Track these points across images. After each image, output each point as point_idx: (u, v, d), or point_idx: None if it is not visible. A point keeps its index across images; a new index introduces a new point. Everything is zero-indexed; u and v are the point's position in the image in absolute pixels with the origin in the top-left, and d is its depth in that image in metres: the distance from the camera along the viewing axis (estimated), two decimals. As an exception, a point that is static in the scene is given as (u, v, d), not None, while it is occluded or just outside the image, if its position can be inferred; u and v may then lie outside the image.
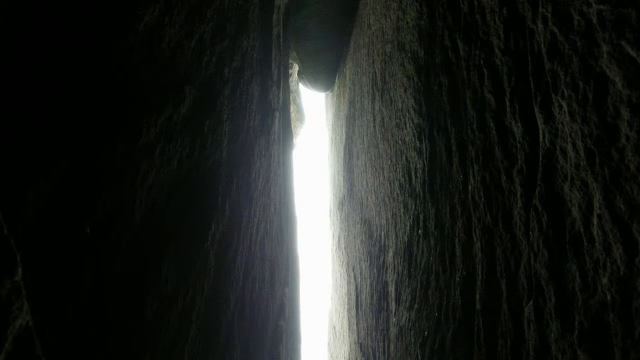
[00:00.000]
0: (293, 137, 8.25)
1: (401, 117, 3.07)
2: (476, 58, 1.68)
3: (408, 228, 2.79)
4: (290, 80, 8.90)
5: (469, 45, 1.76)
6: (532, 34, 1.27)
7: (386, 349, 3.37)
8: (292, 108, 10.08)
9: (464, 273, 1.78)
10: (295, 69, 9.55)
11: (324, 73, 8.85)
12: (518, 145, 1.36)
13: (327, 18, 6.87)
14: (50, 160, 0.79)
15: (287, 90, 6.41)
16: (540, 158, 1.23)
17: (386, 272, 3.51)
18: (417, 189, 2.58)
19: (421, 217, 2.47)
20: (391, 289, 3.27)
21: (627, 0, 0.90)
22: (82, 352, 0.86)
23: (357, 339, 5.19)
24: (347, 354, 6.18)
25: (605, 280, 0.94)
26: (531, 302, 1.24)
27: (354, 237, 5.67)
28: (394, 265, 3.19)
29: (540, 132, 1.22)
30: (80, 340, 0.86)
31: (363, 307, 4.74)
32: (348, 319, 6.14)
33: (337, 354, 7.54)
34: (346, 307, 6.38)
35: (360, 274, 5.01)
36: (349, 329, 5.97)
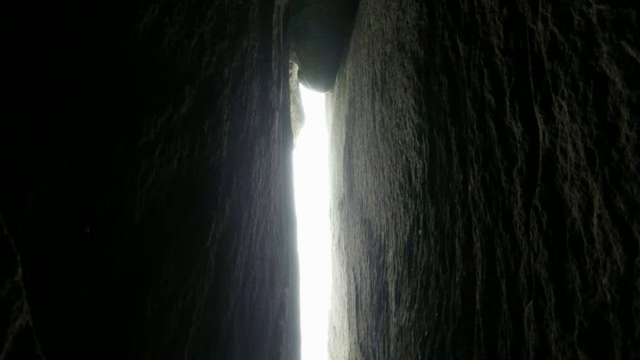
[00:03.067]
0: (293, 137, 8.24)
1: (401, 117, 3.07)
2: (476, 58, 1.68)
3: (408, 228, 2.79)
4: (290, 80, 8.89)
5: (469, 45, 1.76)
6: (532, 34, 1.27)
7: (386, 349, 3.37)
8: (292, 108, 10.08)
9: (464, 273, 1.78)
10: (295, 69, 9.55)
11: (324, 73, 8.84)
12: (518, 145, 1.36)
13: (327, 18, 6.86)
14: (50, 160, 0.79)
15: (287, 90, 6.41)
16: (540, 158, 1.23)
17: (386, 272, 3.51)
18: (417, 189, 2.58)
19: (421, 217, 2.47)
20: (391, 289, 3.27)
21: (627, 0, 0.90)
22: (82, 352, 0.86)
23: (357, 339, 5.19)
24: (347, 354, 6.18)
25: (605, 280, 0.94)
26: (531, 302, 1.23)
27: (354, 237, 5.67)
28: (394, 265, 3.19)
29: (540, 132, 1.22)
30: (80, 340, 0.86)
31: (363, 307, 4.74)
32: (348, 319, 6.13)
33: (337, 354, 7.54)
34: (346, 307, 6.38)
35: (360, 274, 5.01)
36: (349, 329, 5.97)
